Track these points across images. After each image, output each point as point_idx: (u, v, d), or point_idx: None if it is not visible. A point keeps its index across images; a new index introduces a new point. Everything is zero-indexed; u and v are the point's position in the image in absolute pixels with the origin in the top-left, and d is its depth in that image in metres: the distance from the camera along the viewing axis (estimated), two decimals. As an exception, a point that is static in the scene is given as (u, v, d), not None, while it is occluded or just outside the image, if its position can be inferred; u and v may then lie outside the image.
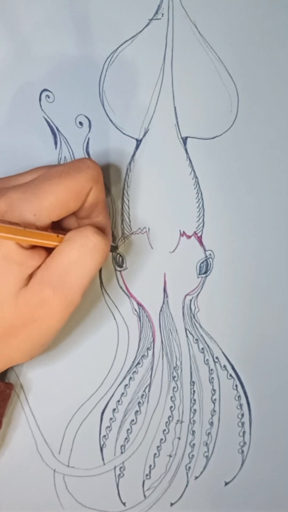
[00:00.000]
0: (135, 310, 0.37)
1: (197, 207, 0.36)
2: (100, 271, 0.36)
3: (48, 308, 0.29)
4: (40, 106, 0.34)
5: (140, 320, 0.37)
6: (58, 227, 0.31)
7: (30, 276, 0.29)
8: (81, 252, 0.28)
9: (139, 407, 0.37)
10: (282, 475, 0.39)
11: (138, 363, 0.37)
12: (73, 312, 0.35)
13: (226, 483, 0.39)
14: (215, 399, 0.38)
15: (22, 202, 0.28)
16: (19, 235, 0.27)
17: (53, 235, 0.29)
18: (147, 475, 0.38)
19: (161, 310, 0.37)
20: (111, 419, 0.37)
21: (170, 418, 0.38)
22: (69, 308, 0.30)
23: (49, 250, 0.30)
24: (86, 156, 0.35)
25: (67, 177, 0.28)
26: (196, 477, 0.38)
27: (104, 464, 0.37)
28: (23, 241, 0.28)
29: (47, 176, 0.29)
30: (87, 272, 0.29)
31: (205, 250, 0.37)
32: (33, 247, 0.29)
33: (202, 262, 0.37)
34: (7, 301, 0.29)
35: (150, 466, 0.38)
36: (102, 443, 0.37)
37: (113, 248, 0.35)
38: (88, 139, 0.34)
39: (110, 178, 0.35)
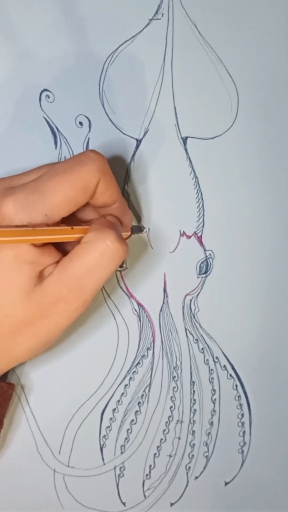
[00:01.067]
0: (135, 310, 0.37)
1: (197, 207, 0.36)
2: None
3: (61, 307, 0.29)
4: (40, 106, 0.34)
5: (140, 320, 0.37)
6: (74, 217, 0.32)
7: (41, 273, 0.29)
8: (99, 259, 0.29)
9: (139, 407, 0.37)
10: (282, 475, 0.39)
11: (138, 363, 0.37)
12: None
13: (226, 483, 0.39)
14: (215, 399, 0.38)
15: (31, 203, 0.28)
16: (31, 236, 0.27)
17: (67, 228, 0.29)
18: (147, 475, 0.38)
19: (161, 310, 0.37)
20: (111, 419, 0.37)
21: (170, 418, 0.38)
22: (80, 309, 0.30)
23: (57, 245, 0.30)
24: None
25: (72, 172, 0.28)
26: (196, 477, 0.38)
27: (104, 464, 0.37)
28: (37, 240, 0.28)
29: (52, 174, 0.29)
30: (102, 277, 0.29)
31: (205, 250, 0.37)
32: (44, 244, 0.29)
33: (202, 262, 0.37)
34: (19, 299, 0.29)
35: (150, 466, 0.38)
36: (102, 443, 0.37)
37: (139, 229, 0.36)
38: (88, 139, 0.34)
39: (110, 178, 0.35)
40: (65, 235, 0.29)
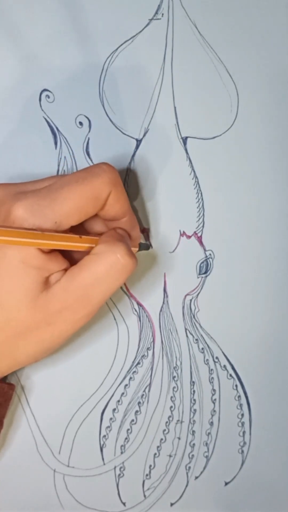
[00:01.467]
0: (135, 310, 0.37)
1: (197, 207, 0.36)
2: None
3: (66, 316, 0.30)
4: (40, 106, 0.34)
5: (140, 320, 0.37)
6: (82, 228, 0.32)
7: (47, 279, 0.29)
8: (109, 271, 0.29)
9: (139, 407, 0.37)
10: (282, 475, 0.39)
11: (138, 363, 0.37)
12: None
13: (226, 483, 0.39)
14: (215, 399, 0.38)
15: (42, 208, 0.28)
16: (39, 239, 0.27)
17: (75, 236, 0.29)
18: (147, 475, 0.38)
19: (161, 310, 0.37)
20: (111, 419, 0.37)
21: (170, 418, 0.38)
22: (85, 319, 0.30)
23: (64, 254, 0.30)
24: (86, 156, 0.35)
25: (84, 182, 0.29)
26: (196, 477, 0.38)
27: (104, 464, 0.37)
28: (45, 245, 0.28)
29: (64, 182, 0.29)
30: (109, 289, 0.30)
31: (205, 250, 0.37)
32: (51, 250, 0.29)
33: (202, 262, 0.37)
34: (25, 303, 0.29)
35: (150, 466, 0.38)
36: (102, 443, 0.37)
37: (146, 246, 0.36)
38: (88, 139, 0.34)
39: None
40: (73, 242, 0.29)
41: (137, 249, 0.34)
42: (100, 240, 0.30)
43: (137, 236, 0.34)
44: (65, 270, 0.30)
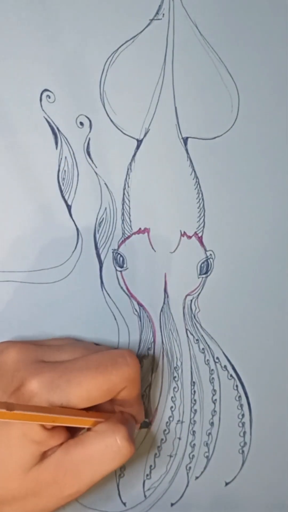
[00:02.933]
0: (136, 310, 0.37)
1: (198, 208, 0.36)
2: (100, 271, 0.36)
3: (53, 491, 0.29)
4: (41, 106, 0.34)
5: (140, 320, 0.37)
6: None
7: (45, 453, 0.29)
8: (104, 452, 0.29)
9: (140, 407, 0.37)
10: (282, 475, 0.39)
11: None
12: (73, 312, 0.36)
13: (227, 483, 0.39)
14: (215, 400, 0.38)
15: (55, 387, 0.28)
16: (47, 413, 0.27)
17: (82, 411, 0.29)
18: (147, 475, 0.38)
19: (161, 310, 0.37)
20: (111, 419, 0.37)
21: (171, 418, 0.38)
22: (71, 497, 0.30)
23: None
24: (87, 156, 0.34)
25: (103, 372, 0.29)
26: (197, 477, 0.38)
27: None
28: (51, 421, 0.27)
29: (83, 366, 0.29)
30: (101, 470, 0.29)
31: (205, 250, 0.37)
32: (55, 426, 0.29)
33: (203, 263, 0.37)
34: (17, 474, 0.28)
35: (151, 466, 0.38)
36: (102, 443, 0.37)
37: (146, 424, 0.37)
38: (89, 139, 0.34)
39: (111, 178, 0.35)
40: (79, 417, 0.29)
41: (137, 428, 0.34)
42: (105, 420, 0.30)
43: (141, 419, 0.34)
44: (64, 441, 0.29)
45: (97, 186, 0.35)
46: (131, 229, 0.36)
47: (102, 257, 0.36)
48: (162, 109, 0.35)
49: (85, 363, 0.29)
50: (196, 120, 0.35)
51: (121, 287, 0.36)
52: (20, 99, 0.34)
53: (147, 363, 0.37)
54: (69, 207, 0.35)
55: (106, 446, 0.29)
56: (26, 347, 0.31)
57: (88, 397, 0.28)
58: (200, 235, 0.36)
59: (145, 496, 0.38)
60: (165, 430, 0.38)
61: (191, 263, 0.37)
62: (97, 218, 0.35)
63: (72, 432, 0.30)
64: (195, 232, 0.36)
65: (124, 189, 0.35)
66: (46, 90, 0.34)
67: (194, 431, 0.38)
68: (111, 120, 0.34)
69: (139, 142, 0.35)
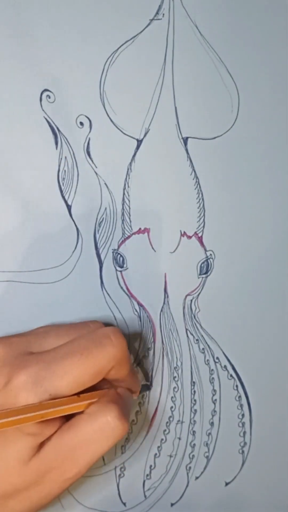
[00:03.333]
0: (136, 311, 0.37)
1: (198, 208, 0.36)
2: (100, 271, 0.36)
3: (54, 476, 0.29)
4: (41, 106, 0.34)
5: (140, 321, 0.37)
6: None
7: (42, 443, 0.29)
8: (97, 432, 0.28)
9: (140, 407, 0.37)
10: (282, 475, 0.39)
11: (139, 363, 0.37)
12: (73, 312, 0.36)
13: (227, 483, 0.39)
14: (215, 400, 0.38)
15: (41, 379, 0.28)
16: (38, 411, 0.27)
17: (73, 397, 0.29)
18: (147, 475, 0.38)
19: (161, 310, 0.37)
20: (111, 419, 0.37)
21: (171, 418, 0.38)
22: (74, 479, 0.30)
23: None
24: (87, 156, 0.34)
25: (88, 356, 0.28)
26: (197, 478, 0.38)
27: (105, 464, 0.37)
28: (41, 418, 0.27)
29: (68, 352, 0.28)
30: (97, 451, 0.29)
31: (205, 250, 0.37)
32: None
33: (203, 263, 0.37)
34: (16, 468, 0.29)
35: (151, 466, 0.38)
36: (102, 443, 0.37)
37: (147, 387, 0.37)
38: (89, 139, 0.34)
39: (111, 178, 0.35)
40: (72, 404, 0.28)
41: (137, 393, 0.34)
42: (97, 400, 0.30)
43: (138, 388, 0.34)
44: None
45: (97, 186, 0.35)
46: (131, 229, 0.36)
47: (102, 257, 0.36)
48: (162, 109, 0.35)
49: (69, 350, 0.29)
50: (196, 120, 0.35)
51: (121, 287, 0.36)
52: (20, 99, 0.34)
53: (147, 362, 0.37)
54: (69, 207, 0.35)
55: (99, 427, 0.28)
56: (10, 342, 0.31)
57: (76, 384, 0.28)
58: (200, 235, 0.36)
59: (145, 496, 0.38)
60: (165, 430, 0.38)
61: (191, 263, 0.37)
62: (97, 218, 0.35)
63: (68, 416, 0.30)
64: (195, 232, 0.36)
65: (124, 189, 0.35)
66: (46, 90, 0.34)
67: (194, 431, 0.38)
68: (111, 120, 0.34)
69: (139, 142, 0.35)
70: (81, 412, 0.29)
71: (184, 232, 0.36)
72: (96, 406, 0.29)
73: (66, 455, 0.29)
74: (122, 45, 0.34)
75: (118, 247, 0.36)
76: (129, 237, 0.36)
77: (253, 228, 0.37)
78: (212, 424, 0.38)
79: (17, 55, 0.33)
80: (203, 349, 0.37)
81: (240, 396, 0.38)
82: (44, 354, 0.29)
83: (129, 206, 0.35)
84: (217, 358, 0.38)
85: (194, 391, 0.38)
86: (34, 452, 0.29)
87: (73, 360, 0.28)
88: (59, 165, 0.34)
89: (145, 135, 0.35)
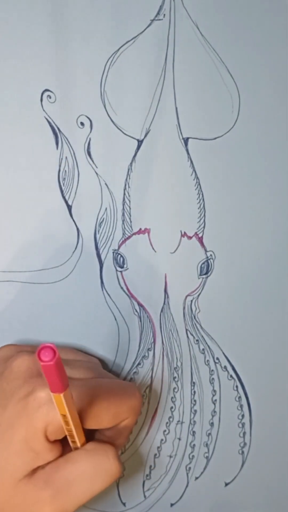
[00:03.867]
0: (136, 311, 0.37)
1: (198, 208, 0.36)
2: (101, 271, 0.36)
3: (39, 510, 0.28)
4: (42, 106, 0.34)
5: (140, 321, 0.37)
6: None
7: (38, 467, 0.28)
8: (95, 469, 0.28)
9: (140, 407, 0.37)
10: (282, 476, 0.40)
11: (139, 363, 0.37)
12: (74, 312, 0.36)
13: (227, 484, 0.39)
14: (215, 400, 0.38)
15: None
16: (66, 417, 0.27)
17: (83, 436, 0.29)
18: (147, 475, 0.38)
19: (162, 310, 0.37)
20: (111, 419, 0.37)
21: (171, 419, 0.38)
22: None
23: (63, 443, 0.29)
24: (88, 156, 0.35)
25: (114, 396, 0.29)
26: (197, 478, 0.38)
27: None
28: (63, 422, 0.27)
29: (96, 386, 0.29)
30: (92, 489, 0.29)
31: (206, 251, 0.37)
32: (55, 440, 0.28)
33: (203, 263, 0.37)
34: (7, 482, 0.28)
35: (151, 466, 0.38)
36: (102, 443, 0.37)
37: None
38: (90, 139, 0.34)
39: (111, 178, 0.35)
40: (81, 438, 0.29)
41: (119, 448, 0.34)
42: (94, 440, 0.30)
43: (124, 443, 0.34)
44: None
45: (97, 186, 0.35)
46: (132, 229, 0.36)
47: (103, 257, 0.36)
48: (163, 109, 0.35)
49: (97, 384, 0.29)
50: (196, 120, 0.35)
51: (122, 288, 0.36)
52: (21, 99, 0.34)
53: (147, 363, 0.37)
54: (69, 207, 0.35)
55: (98, 464, 0.28)
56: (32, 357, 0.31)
57: (95, 417, 0.28)
58: (200, 235, 0.36)
59: (144, 496, 0.38)
60: (165, 430, 0.38)
61: (191, 264, 0.37)
62: (97, 218, 0.35)
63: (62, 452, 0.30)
64: (196, 233, 0.36)
65: (125, 189, 0.35)
66: (46, 90, 0.34)
67: (194, 432, 0.38)
68: (112, 120, 0.34)
69: (140, 142, 0.35)
70: (76, 449, 0.29)
71: (185, 232, 0.36)
72: (94, 445, 0.29)
73: (59, 489, 0.28)
74: (123, 45, 0.34)
75: (119, 247, 0.36)
76: (129, 237, 0.36)
77: (254, 228, 0.37)
78: (212, 424, 0.38)
79: (17, 55, 0.33)
80: (203, 349, 0.37)
81: (240, 397, 0.38)
82: (74, 379, 0.29)
83: (129, 207, 0.35)
84: (217, 358, 0.38)
85: (194, 392, 0.38)
86: (27, 473, 0.28)
87: (100, 394, 0.29)
88: (60, 165, 0.34)
89: (145, 136, 0.35)
